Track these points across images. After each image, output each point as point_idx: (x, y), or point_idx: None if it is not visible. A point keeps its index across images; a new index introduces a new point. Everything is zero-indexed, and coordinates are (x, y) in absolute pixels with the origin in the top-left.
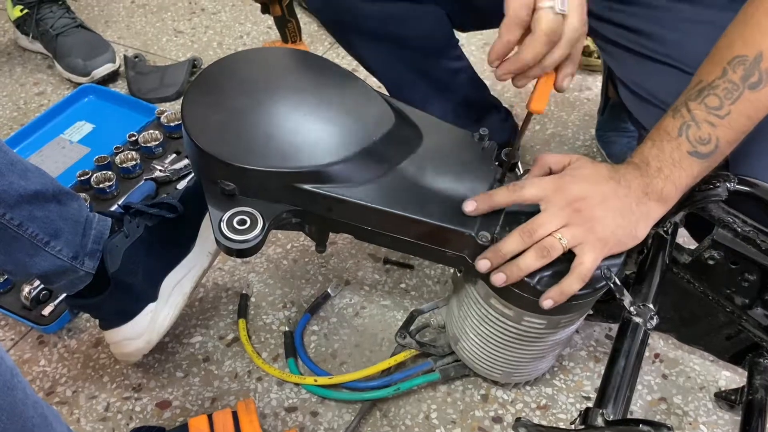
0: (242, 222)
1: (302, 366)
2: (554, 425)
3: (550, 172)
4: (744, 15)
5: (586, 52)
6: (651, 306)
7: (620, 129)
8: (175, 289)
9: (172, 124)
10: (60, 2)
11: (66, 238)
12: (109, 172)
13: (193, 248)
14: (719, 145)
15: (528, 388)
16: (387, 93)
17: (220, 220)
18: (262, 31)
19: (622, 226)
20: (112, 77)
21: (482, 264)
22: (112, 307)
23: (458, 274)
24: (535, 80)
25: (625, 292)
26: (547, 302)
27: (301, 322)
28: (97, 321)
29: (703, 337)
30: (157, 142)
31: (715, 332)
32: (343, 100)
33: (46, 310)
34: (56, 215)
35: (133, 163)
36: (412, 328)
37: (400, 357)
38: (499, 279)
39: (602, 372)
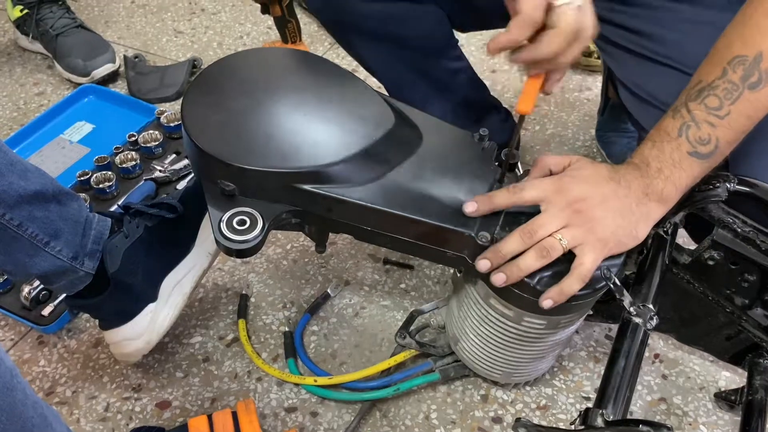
0: (242, 222)
1: (302, 366)
2: (554, 425)
3: (550, 174)
4: (743, 15)
5: (586, 52)
6: (651, 306)
7: (620, 129)
8: (175, 290)
9: (171, 125)
10: (60, 2)
11: (66, 238)
12: (109, 173)
13: (193, 248)
14: (719, 146)
15: (528, 388)
16: (387, 93)
17: (220, 221)
18: (262, 31)
19: (622, 227)
20: (112, 77)
21: (482, 264)
22: (111, 308)
23: (458, 275)
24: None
25: (624, 292)
26: (546, 302)
27: (300, 322)
28: (96, 321)
29: (703, 338)
30: (156, 143)
31: (715, 333)
32: (343, 100)
33: (46, 311)
34: (56, 215)
35: (133, 163)
36: (411, 328)
37: (400, 357)
38: (499, 279)
39: (602, 372)
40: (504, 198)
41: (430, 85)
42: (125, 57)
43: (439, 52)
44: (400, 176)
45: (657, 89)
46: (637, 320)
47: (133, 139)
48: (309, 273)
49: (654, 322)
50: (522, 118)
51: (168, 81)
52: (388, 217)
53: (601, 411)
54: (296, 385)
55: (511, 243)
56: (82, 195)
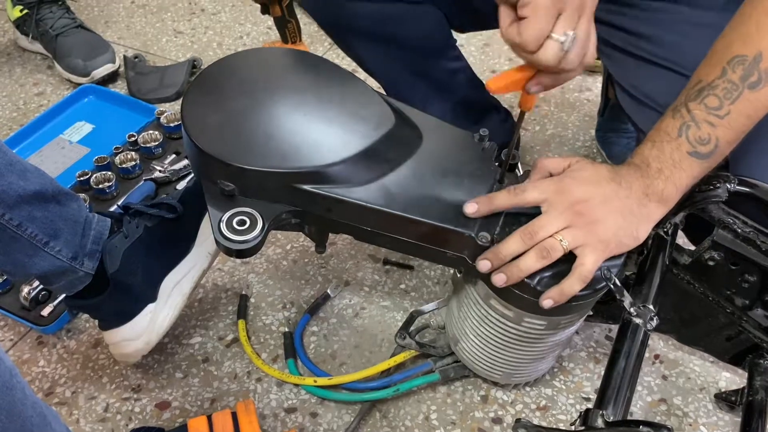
0: (242, 222)
1: (302, 367)
2: (554, 426)
3: (550, 176)
4: (742, 15)
5: None
6: (651, 307)
7: (620, 130)
8: (175, 290)
9: (171, 125)
10: (60, 2)
11: (65, 238)
12: (109, 173)
13: (193, 249)
14: (719, 145)
15: (528, 389)
16: (386, 93)
17: (220, 221)
18: (262, 31)
19: (623, 228)
20: (111, 77)
21: (483, 265)
22: (111, 308)
23: (458, 275)
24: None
25: (625, 293)
26: (547, 302)
27: (300, 322)
28: (96, 321)
29: (703, 338)
30: (156, 143)
31: (715, 333)
32: (343, 100)
33: (46, 311)
34: (55, 215)
35: (133, 163)
36: (411, 328)
37: (400, 358)
38: (499, 279)
39: (602, 373)
40: (505, 199)
41: (429, 86)
42: (125, 57)
43: (437, 52)
44: (400, 176)
45: (654, 91)
46: (638, 321)
47: (133, 139)
48: (309, 273)
49: (654, 322)
50: (522, 117)
51: (168, 81)
52: (388, 218)
53: (601, 412)
54: (296, 385)
55: (512, 244)
56: (82, 195)
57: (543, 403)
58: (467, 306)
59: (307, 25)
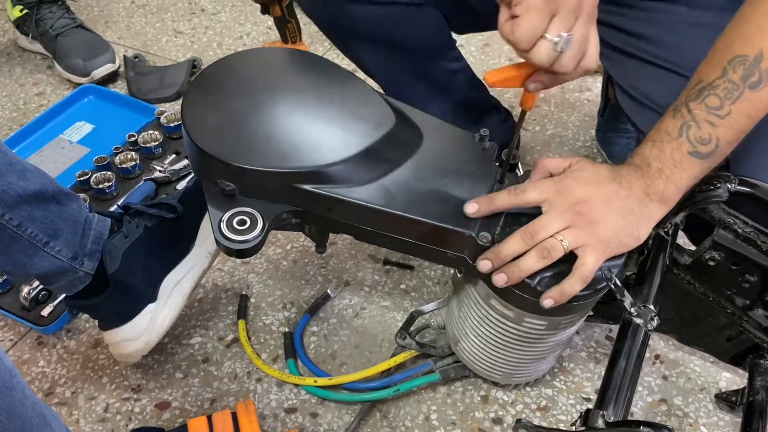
0: (242, 222)
1: (302, 367)
2: (554, 427)
3: (551, 176)
4: (742, 15)
5: None
6: (651, 307)
7: (620, 130)
8: (175, 290)
9: (171, 125)
10: (60, 2)
11: (65, 238)
12: (109, 173)
13: (193, 249)
14: (720, 145)
15: (528, 389)
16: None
17: (220, 221)
18: (262, 31)
19: (623, 228)
20: (111, 77)
21: (483, 265)
22: (111, 308)
23: (458, 275)
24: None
25: (625, 293)
26: (547, 302)
27: (300, 322)
28: (96, 322)
29: (704, 339)
30: (156, 143)
31: (716, 333)
32: (344, 100)
33: (45, 311)
34: (55, 215)
35: (133, 163)
36: (412, 328)
37: (400, 358)
38: (500, 279)
39: (603, 373)
40: (505, 199)
41: (429, 87)
42: (125, 57)
43: (437, 53)
44: (401, 176)
45: (654, 92)
46: (638, 321)
47: (133, 139)
48: (309, 273)
49: (655, 322)
50: (522, 116)
51: (168, 81)
52: (388, 218)
53: (601, 412)
54: (296, 385)
55: (512, 244)
56: (82, 195)
57: (543, 404)
58: (467, 306)
59: (307, 25)
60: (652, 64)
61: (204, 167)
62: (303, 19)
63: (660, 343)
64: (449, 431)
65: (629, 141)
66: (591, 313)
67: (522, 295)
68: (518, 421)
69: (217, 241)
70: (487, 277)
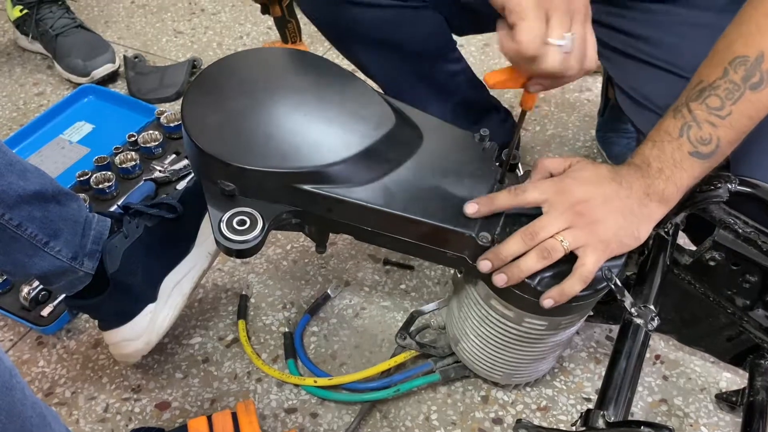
0: (242, 222)
1: (302, 367)
2: (555, 427)
3: (551, 176)
4: (743, 16)
5: None
6: (652, 307)
7: (620, 130)
8: (175, 290)
9: (171, 125)
10: (60, 2)
11: (65, 238)
12: (109, 173)
13: (193, 249)
14: (720, 145)
15: (528, 389)
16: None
17: (220, 221)
18: (262, 31)
19: (624, 228)
20: (111, 77)
21: (483, 265)
22: (111, 308)
23: (458, 275)
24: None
25: (626, 293)
26: (547, 302)
27: (300, 323)
28: (96, 322)
29: (704, 339)
30: (156, 143)
31: (716, 333)
32: (344, 100)
33: (45, 311)
34: (55, 216)
35: (133, 163)
36: (412, 329)
37: (400, 358)
38: (500, 280)
39: (603, 373)
40: (505, 200)
41: (429, 88)
42: (125, 57)
43: (438, 55)
44: (401, 176)
45: (654, 93)
46: (638, 321)
47: (133, 139)
48: (309, 273)
49: (655, 323)
50: (522, 116)
51: (168, 81)
52: (388, 218)
53: (602, 412)
54: (296, 386)
55: (512, 245)
56: (82, 195)
57: (543, 404)
58: (468, 306)
59: (307, 25)
60: (651, 65)
61: (204, 167)
62: (303, 19)
63: (660, 344)
64: (449, 431)
65: (629, 141)
66: (591, 314)
67: (522, 295)
68: (518, 421)
69: (217, 242)
70: (487, 278)
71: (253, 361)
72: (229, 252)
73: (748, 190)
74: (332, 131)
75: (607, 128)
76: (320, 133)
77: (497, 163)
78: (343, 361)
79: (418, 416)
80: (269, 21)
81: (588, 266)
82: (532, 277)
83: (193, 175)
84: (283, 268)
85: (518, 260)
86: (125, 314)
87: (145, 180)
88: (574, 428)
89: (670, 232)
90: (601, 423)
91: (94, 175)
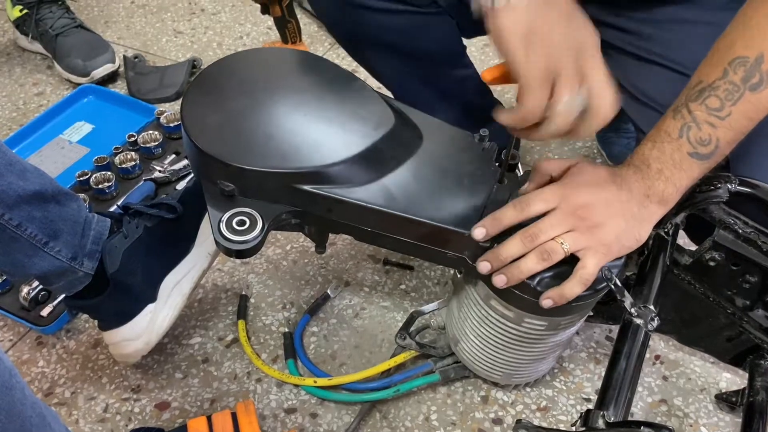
0: (242, 222)
1: (302, 367)
2: (555, 427)
3: (550, 179)
4: (743, 16)
5: None
6: (652, 307)
7: (620, 130)
8: (175, 290)
9: (171, 125)
10: (59, 2)
11: (65, 238)
12: (109, 173)
13: (193, 249)
14: (719, 146)
15: (528, 389)
16: (390, 95)
17: (220, 221)
18: (262, 31)
19: (625, 230)
20: (111, 78)
21: (483, 266)
22: (111, 308)
23: (458, 276)
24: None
25: (625, 293)
26: (546, 302)
27: (300, 323)
28: (95, 322)
29: (704, 339)
30: (156, 143)
31: (716, 334)
32: (343, 100)
33: (45, 311)
34: (55, 216)
35: (133, 163)
36: (412, 329)
37: (400, 358)
38: (500, 281)
39: (603, 374)
40: (512, 216)
41: (438, 93)
42: (125, 57)
43: (448, 60)
44: (401, 177)
45: (654, 91)
46: (638, 321)
47: (133, 139)
48: (309, 274)
49: (655, 323)
50: None
51: (168, 81)
52: (388, 218)
53: (602, 412)
54: (296, 386)
55: (512, 246)
56: (82, 195)
57: (543, 404)
58: (467, 306)
59: (307, 25)
60: (653, 63)
61: (204, 167)
62: (303, 19)
63: (660, 344)
64: (449, 431)
65: (629, 141)
66: (591, 314)
67: (522, 296)
68: (518, 421)
69: (216, 242)
70: (486, 278)
71: (253, 361)
72: (229, 252)
73: (748, 190)
74: (332, 131)
75: (607, 128)
76: (320, 133)
77: (497, 164)
78: (342, 362)
79: (418, 416)
80: (269, 21)
81: (588, 269)
82: (531, 277)
83: (192, 175)
84: (283, 269)
85: (518, 261)
86: (125, 314)
87: (145, 180)
88: (573, 428)
89: (670, 232)
90: (600, 423)
91: (94, 175)
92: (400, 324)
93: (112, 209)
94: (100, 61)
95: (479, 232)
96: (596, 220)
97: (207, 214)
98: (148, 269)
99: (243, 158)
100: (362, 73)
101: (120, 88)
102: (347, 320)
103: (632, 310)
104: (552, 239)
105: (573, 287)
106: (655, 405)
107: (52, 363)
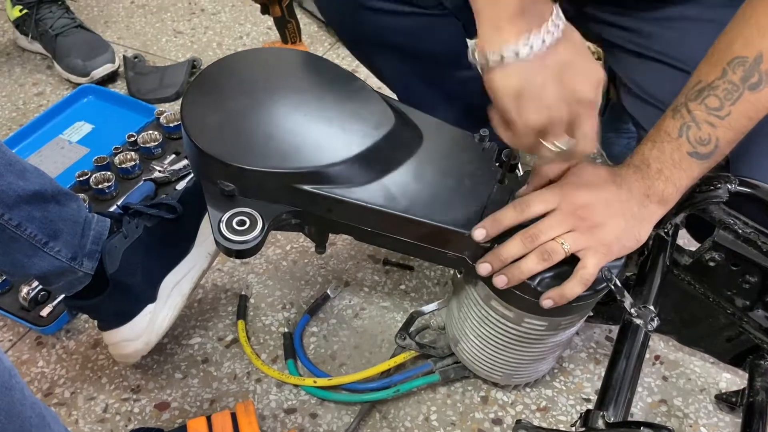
0: (242, 222)
1: (301, 367)
2: (554, 427)
3: (550, 182)
4: (743, 15)
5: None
6: (651, 308)
7: (620, 130)
8: (174, 290)
9: (171, 125)
10: (59, 2)
11: (64, 238)
12: (108, 173)
13: (192, 249)
14: (719, 146)
15: (528, 389)
16: (393, 96)
17: (220, 221)
18: (262, 31)
19: (625, 231)
20: (111, 78)
21: (483, 267)
22: (110, 308)
23: (458, 276)
24: None
25: (625, 293)
26: (547, 302)
27: (300, 323)
28: (95, 322)
29: (704, 339)
30: (156, 143)
31: (716, 334)
32: (343, 100)
33: (45, 311)
34: (55, 216)
35: (132, 163)
36: (411, 329)
37: (400, 358)
38: (500, 281)
39: (603, 374)
40: (512, 218)
41: (442, 94)
42: (125, 57)
43: (453, 62)
44: (401, 177)
45: (656, 88)
46: (638, 322)
47: (133, 139)
48: (308, 274)
49: (655, 323)
50: None
51: (167, 81)
52: (388, 218)
53: (601, 413)
54: (296, 386)
55: (512, 247)
56: (81, 195)
57: (543, 404)
58: (467, 307)
59: (307, 25)
60: (654, 60)
61: (203, 167)
62: (303, 19)
63: (660, 344)
64: None
65: (629, 141)
66: (591, 314)
67: (522, 296)
68: (518, 421)
69: (216, 242)
70: (487, 278)
71: (253, 361)
72: (229, 252)
73: (748, 190)
74: (332, 131)
75: (607, 128)
76: (320, 133)
77: (497, 164)
78: (342, 362)
79: (418, 417)
80: (269, 21)
81: (589, 269)
82: (532, 277)
83: (192, 175)
84: (283, 269)
85: (518, 262)
86: (125, 314)
87: (145, 180)
88: (573, 429)
89: (670, 232)
90: (600, 423)
91: (94, 176)
92: (400, 324)
93: (111, 209)
94: (99, 61)
95: (479, 233)
96: (596, 220)
97: (207, 214)
98: (148, 269)
99: (243, 158)
100: (362, 73)
101: (120, 88)
102: (347, 320)
103: (632, 311)
104: (552, 239)
105: (573, 287)
106: (654, 405)
107: (52, 363)
